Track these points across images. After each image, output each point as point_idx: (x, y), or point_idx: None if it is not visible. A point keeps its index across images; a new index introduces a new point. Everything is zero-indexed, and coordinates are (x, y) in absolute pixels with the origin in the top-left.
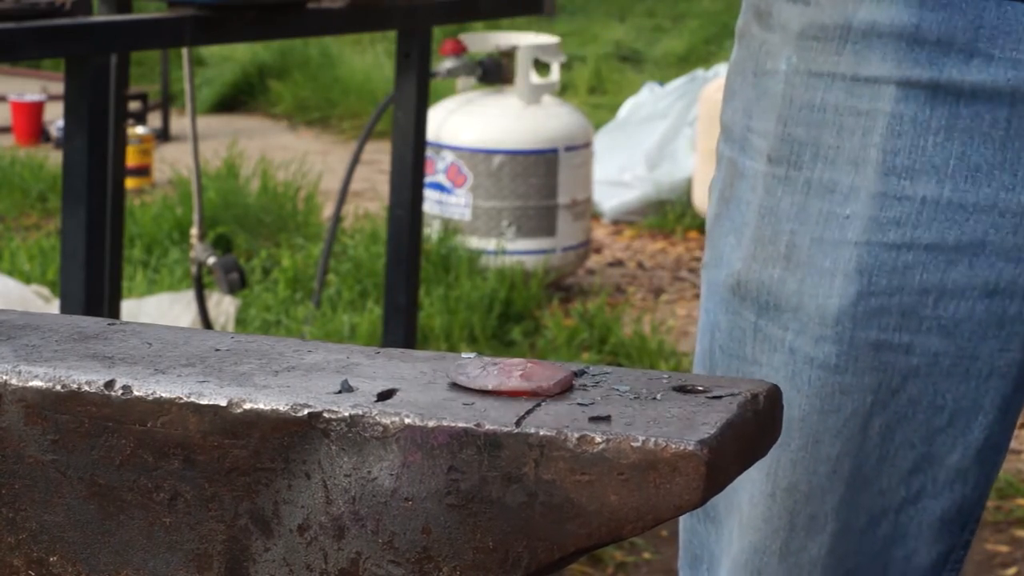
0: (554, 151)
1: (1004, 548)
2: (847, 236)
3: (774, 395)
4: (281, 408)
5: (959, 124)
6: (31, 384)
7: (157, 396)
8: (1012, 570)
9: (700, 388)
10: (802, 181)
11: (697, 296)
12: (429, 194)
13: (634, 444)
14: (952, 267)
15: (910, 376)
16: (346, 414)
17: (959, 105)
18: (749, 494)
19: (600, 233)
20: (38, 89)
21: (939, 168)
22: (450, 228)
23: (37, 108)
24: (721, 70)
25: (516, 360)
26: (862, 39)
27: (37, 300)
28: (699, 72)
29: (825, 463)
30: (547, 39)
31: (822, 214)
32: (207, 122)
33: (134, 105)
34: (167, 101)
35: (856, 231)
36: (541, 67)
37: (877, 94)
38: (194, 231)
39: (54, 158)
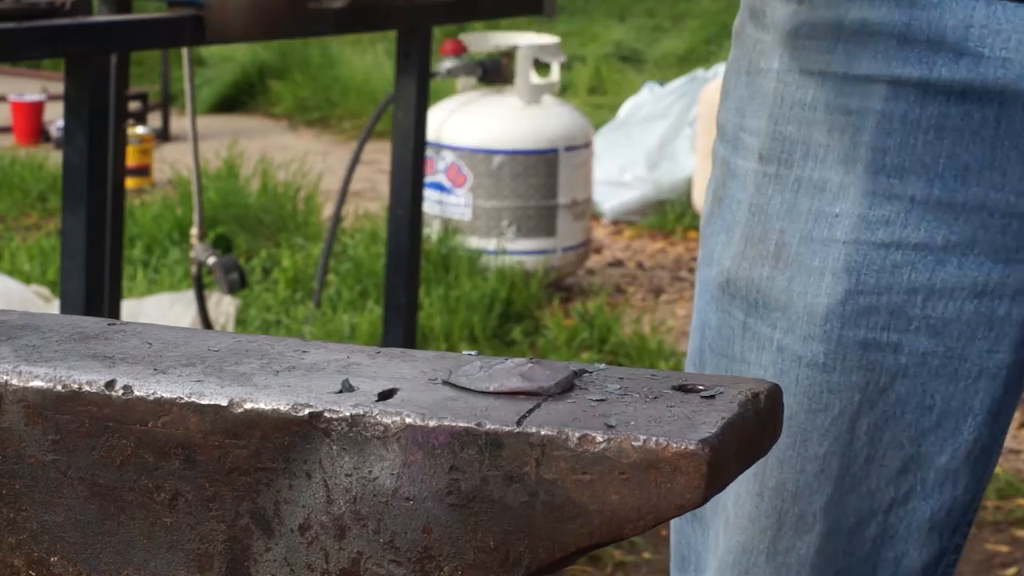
0: (554, 151)
1: (1004, 548)
2: (836, 235)
3: (775, 394)
4: (282, 408)
5: (949, 123)
6: (32, 384)
7: (158, 396)
8: (1012, 570)
9: (701, 387)
10: (792, 179)
11: None
12: (429, 194)
13: (635, 443)
14: (941, 267)
15: (898, 375)
16: (347, 414)
17: (949, 104)
18: (735, 494)
19: (600, 233)
20: (38, 89)
21: (929, 167)
22: (450, 228)
23: (37, 108)
24: (721, 70)
25: (517, 360)
26: (853, 38)
27: (37, 300)
28: (699, 72)
29: (813, 462)
30: (547, 39)
31: (812, 212)
32: (207, 122)
33: (134, 105)
34: (167, 101)
35: (845, 230)
36: (541, 67)
37: (867, 93)
38: (194, 231)
39: (54, 158)
